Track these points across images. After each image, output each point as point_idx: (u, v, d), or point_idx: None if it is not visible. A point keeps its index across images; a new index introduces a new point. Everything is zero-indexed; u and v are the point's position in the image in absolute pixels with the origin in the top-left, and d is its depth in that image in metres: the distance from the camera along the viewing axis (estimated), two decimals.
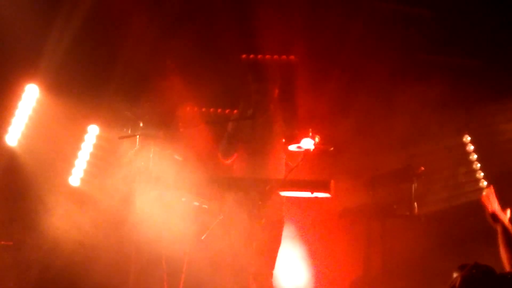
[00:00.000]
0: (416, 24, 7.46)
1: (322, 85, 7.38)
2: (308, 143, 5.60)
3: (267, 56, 7.84)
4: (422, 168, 6.84)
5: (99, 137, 7.50)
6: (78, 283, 6.88)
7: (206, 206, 6.03)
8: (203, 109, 7.77)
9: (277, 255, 6.02)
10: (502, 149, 7.43)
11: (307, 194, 5.70)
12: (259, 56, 7.86)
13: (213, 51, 7.61)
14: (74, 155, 7.41)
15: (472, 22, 7.28)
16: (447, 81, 7.14)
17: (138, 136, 6.21)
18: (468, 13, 7.26)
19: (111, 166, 6.94)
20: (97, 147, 7.49)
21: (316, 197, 5.71)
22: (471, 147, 7.49)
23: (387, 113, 7.42)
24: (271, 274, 5.99)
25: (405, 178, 6.86)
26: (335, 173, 6.69)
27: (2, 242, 7.05)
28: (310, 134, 5.60)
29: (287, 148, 5.79)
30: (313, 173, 6.15)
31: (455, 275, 3.67)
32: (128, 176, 6.23)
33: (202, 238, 5.94)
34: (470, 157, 7.49)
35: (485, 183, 7.40)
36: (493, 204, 4.31)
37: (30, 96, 7.35)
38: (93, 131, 7.50)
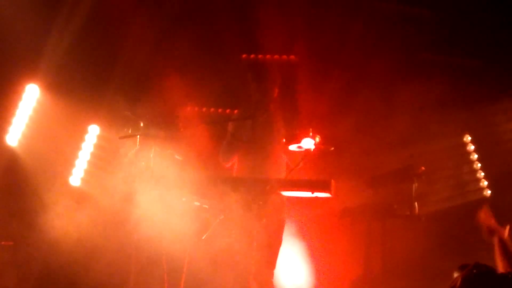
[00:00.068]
0: (417, 24, 7.47)
1: (322, 85, 7.38)
2: (308, 143, 5.59)
3: (268, 56, 7.84)
4: (423, 168, 6.84)
5: (99, 137, 7.51)
6: (78, 283, 6.89)
7: (206, 206, 6.03)
8: (204, 109, 7.78)
9: (278, 254, 6.02)
10: (502, 149, 7.44)
11: (307, 194, 5.69)
12: (260, 56, 7.86)
13: (214, 51, 7.62)
14: (74, 155, 7.42)
15: (472, 22, 7.29)
16: (448, 81, 7.15)
17: (138, 136, 6.20)
18: (468, 13, 7.26)
19: (111, 166, 6.94)
20: (98, 147, 7.49)
21: (317, 197, 5.70)
22: (471, 147, 7.50)
23: (387, 113, 7.42)
24: (272, 274, 5.99)
25: (406, 178, 6.86)
26: (336, 173, 6.69)
27: (3, 243, 7.06)
28: (311, 134, 5.60)
29: (287, 148, 5.78)
30: (313, 173, 6.15)
31: (455, 275, 3.68)
32: (128, 176, 6.23)
33: (203, 238, 5.94)
34: (471, 157, 7.50)
35: (485, 183, 7.41)
36: (489, 221, 4.33)
37: (31, 96, 7.35)
38: (93, 131, 7.51)
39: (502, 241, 4.17)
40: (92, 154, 7.49)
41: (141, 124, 6.25)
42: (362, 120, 7.38)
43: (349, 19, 7.42)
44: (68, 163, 7.39)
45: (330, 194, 5.63)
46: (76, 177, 7.38)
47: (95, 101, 7.36)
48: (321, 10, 7.54)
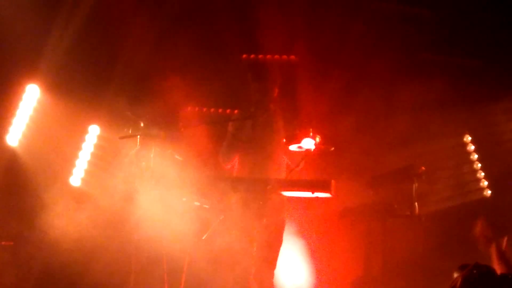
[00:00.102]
0: (417, 24, 7.47)
1: (322, 85, 7.39)
2: (308, 143, 5.59)
3: (268, 56, 7.85)
4: (423, 168, 6.83)
5: (100, 137, 7.51)
6: (78, 283, 6.89)
7: (207, 206, 6.03)
8: (204, 109, 7.78)
9: (278, 255, 6.02)
10: (503, 149, 7.44)
11: (308, 194, 5.69)
12: (260, 56, 7.86)
13: (214, 51, 7.62)
14: (74, 155, 7.42)
15: (472, 22, 7.29)
16: (448, 81, 7.15)
17: (138, 136, 6.20)
18: (468, 13, 7.26)
19: (112, 166, 6.95)
20: (98, 147, 7.50)
21: (317, 197, 5.70)
22: (472, 147, 7.50)
23: (387, 113, 7.43)
24: (272, 274, 6.00)
25: (406, 178, 6.85)
26: (336, 173, 6.70)
27: (3, 243, 7.06)
28: (311, 134, 5.60)
29: (287, 148, 5.78)
30: (314, 173, 6.16)
31: (455, 275, 3.68)
32: (129, 176, 6.23)
33: (203, 238, 5.94)
34: (471, 157, 7.50)
35: (485, 183, 7.41)
36: (486, 232, 4.34)
37: (31, 96, 7.35)
38: (94, 131, 7.51)
39: (499, 252, 4.18)
40: (92, 154, 7.49)
41: (142, 124, 6.25)
42: (362, 120, 7.38)
43: (349, 19, 7.42)
44: (69, 163, 7.39)
45: (330, 194, 5.63)
46: (76, 177, 7.39)
47: (95, 101, 7.36)
48: (321, 10, 7.54)
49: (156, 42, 7.48)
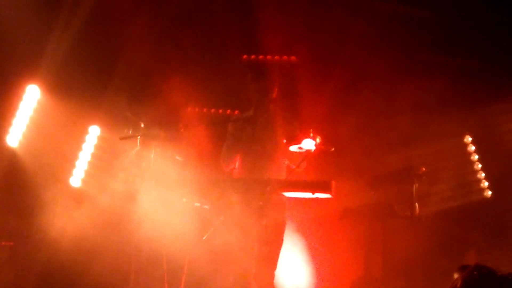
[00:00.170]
0: (417, 24, 7.46)
1: (323, 85, 7.39)
2: (309, 144, 5.59)
3: (268, 57, 7.85)
4: (423, 169, 6.83)
5: (100, 138, 7.52)
6: (78, 283, 6.89)
7: (207, 206, 6.03)
8: (204, 110, 7.78)
9: (278, 255, 6.00)
10: (503, 150, 7.44)
11: (308, 195, 5.69)
12: (260, 56, 7.86)
13: (214, 52, 7.62)
14: (75, 156, 7.42)
15: (472, 22, 7.28)
16: (448, 81, 7.15)
17: (139, 137, 6.20)
18: (468, 13, 7.26)
19: (112, 167, 6.95)
20: (98, 147, 7.50)
21: (317, 198, 5.70)
22: (472, 148, 7.49)
23: (388, 114, 7.42)
24: (272, 274, 5.99)
25: (406, 179, 6.85)
26: (336, 173, 6.69)
27: (3, 243, 7.06)
28: (311, 134, 5.59)
29: (288, 149, 5.78)
30: (314, 173, 6.15)
31: (456, 276, 3.68)
32: (129, 176, 6.23)
33: (203, 238, 5.94)
34: (472, 157, 7.50)
35: (486, 183, 7.41)
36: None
37: (31, 96, 7.36)
38: (94, 131, 7.51)
39: None
40: (93, 155, 7.49)
41: (142, 125, 6.26)
42: (363, 121, 7.38)
43: (350, 19, 7.42)
44: (68, 164, 7.39)
45: (331, 194, 5.63)
46: (76, 178, 7.39)
47: (96, 101, 7.36)
48: (321, 10, 7.54)
49: (156, 42, 7.49)
